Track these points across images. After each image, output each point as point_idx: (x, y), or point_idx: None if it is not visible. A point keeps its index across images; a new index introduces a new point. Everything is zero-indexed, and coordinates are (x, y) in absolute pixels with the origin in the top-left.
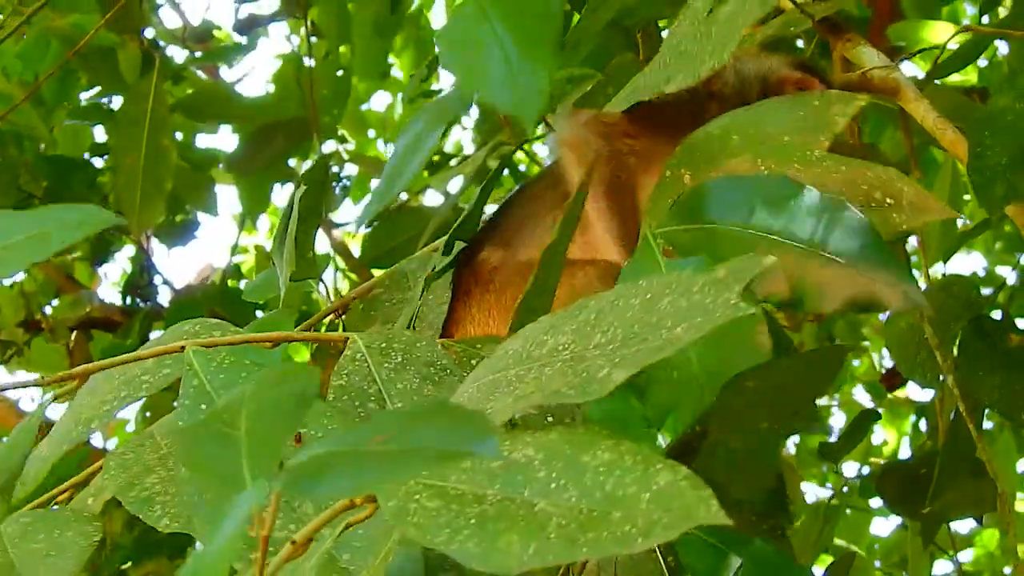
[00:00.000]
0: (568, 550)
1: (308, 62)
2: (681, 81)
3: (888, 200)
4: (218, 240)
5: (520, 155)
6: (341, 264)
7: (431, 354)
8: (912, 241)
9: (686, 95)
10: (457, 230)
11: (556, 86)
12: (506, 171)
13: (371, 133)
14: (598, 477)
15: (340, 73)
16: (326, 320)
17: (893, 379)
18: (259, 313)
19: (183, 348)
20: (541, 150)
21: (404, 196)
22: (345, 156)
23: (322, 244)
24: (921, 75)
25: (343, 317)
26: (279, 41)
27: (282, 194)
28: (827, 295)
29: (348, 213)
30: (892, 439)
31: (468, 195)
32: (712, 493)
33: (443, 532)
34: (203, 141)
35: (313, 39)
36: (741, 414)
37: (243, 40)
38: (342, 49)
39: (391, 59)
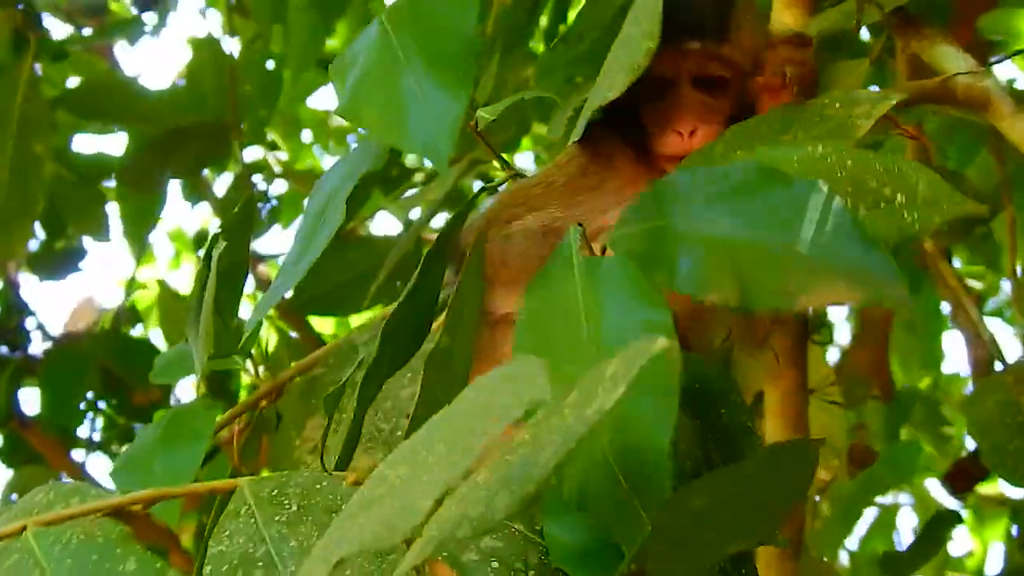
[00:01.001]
0: None
1: (229, 47)
2: (622, 82)
3: (900, 197)
4: (105, 271)
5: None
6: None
7: (333, 497)
8: (1005, 288)
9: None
10: (411, 296)
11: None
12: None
13: (307, 136)
14: None
15: (272, 64)
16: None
17: (962, 477)
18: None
19: (24, 529)
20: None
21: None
22: (276, 168)
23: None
24: None
25: (276, 403)
26: (192, 18)
27: (191, 215)
28: (786, 294)
29: (276, 241)
30: (978, 548)
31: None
32: None
33: None
34: (89, 144)
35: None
36: (686, 541)
37: (145, 16)
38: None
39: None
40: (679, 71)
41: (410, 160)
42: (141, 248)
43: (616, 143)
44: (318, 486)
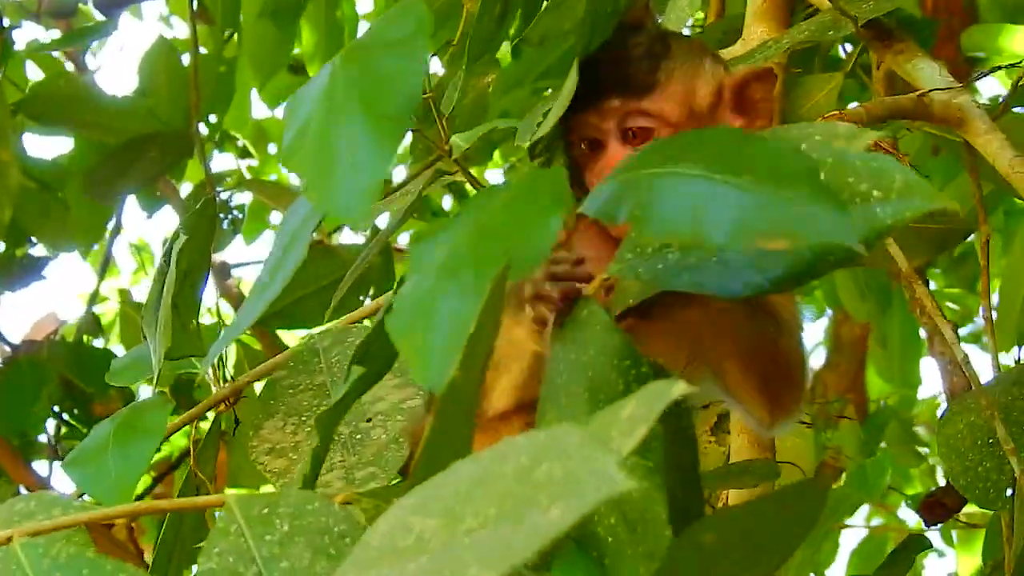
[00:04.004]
0: None
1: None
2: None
3: (875, 193)
4: (67, 281)
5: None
6: (230, 313)
7: (326, 518)
8: (979, 320)
9: None
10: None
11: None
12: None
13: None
14: None
15: (226, 66)
16: (211, 412)
17: (935, 508)
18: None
19: (10, 540)
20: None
21: (315, 235)
22: (247, 174)
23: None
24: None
25: (235, 406)
26: (152, 23)
27: (156, 225)
28: (734, 230)
29: (239, 252)
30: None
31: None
32: None
33: None
34: (36, 144)
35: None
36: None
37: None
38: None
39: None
40: (604, 130)
41: None
42: (105, 260)
43: None
44: (309, 506)
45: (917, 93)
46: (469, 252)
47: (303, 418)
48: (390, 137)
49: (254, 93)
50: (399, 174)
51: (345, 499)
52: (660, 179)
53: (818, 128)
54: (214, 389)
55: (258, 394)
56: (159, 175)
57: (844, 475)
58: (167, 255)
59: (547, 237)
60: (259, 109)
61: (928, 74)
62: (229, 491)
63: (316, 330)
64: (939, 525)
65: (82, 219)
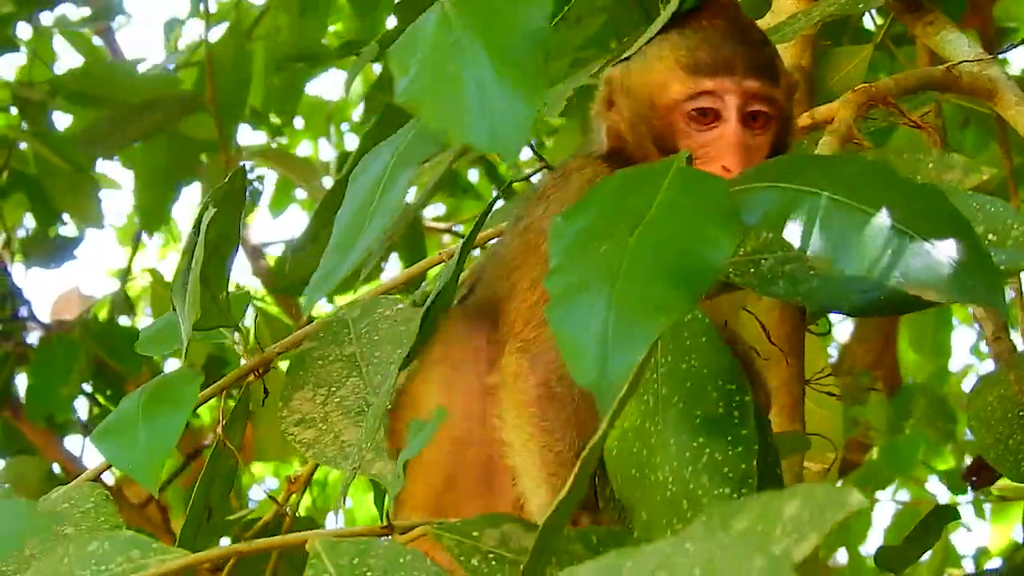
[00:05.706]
0: None
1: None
2: None
3: (991, 236)
4: (94, 258)
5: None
6: (260, 290)
7: (419, 571)
8: (1008, 292)
9: None
10: (439, 295)
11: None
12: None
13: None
14: None
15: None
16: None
17: (982, 471)
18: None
19: None
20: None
21: None
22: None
23: (238, 266)
24: None
25: (264, 376)
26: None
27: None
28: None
29: (266, 230)
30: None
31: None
32: None
33: None
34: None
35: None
36: None
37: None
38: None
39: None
40: (728, 104)
41: None
42: (136, 238)
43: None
44: (400, 559)
45: (947, 65)
46: (634, 260)
47: (333, 389)
48: (530, 78)
49: None
50: None
51: (423, 531)
52: (817, 200)
53: (932, 156)
54: (242, 362)
55: (287, 365)
56: (157, 130)
57: (875, 451)
58: (196, 226)
59: (721, 257)
60: None
61: (957, 46)
62: (310, 533)
63: (342, 301)
64: (985, 488)
65: (144, 202)
